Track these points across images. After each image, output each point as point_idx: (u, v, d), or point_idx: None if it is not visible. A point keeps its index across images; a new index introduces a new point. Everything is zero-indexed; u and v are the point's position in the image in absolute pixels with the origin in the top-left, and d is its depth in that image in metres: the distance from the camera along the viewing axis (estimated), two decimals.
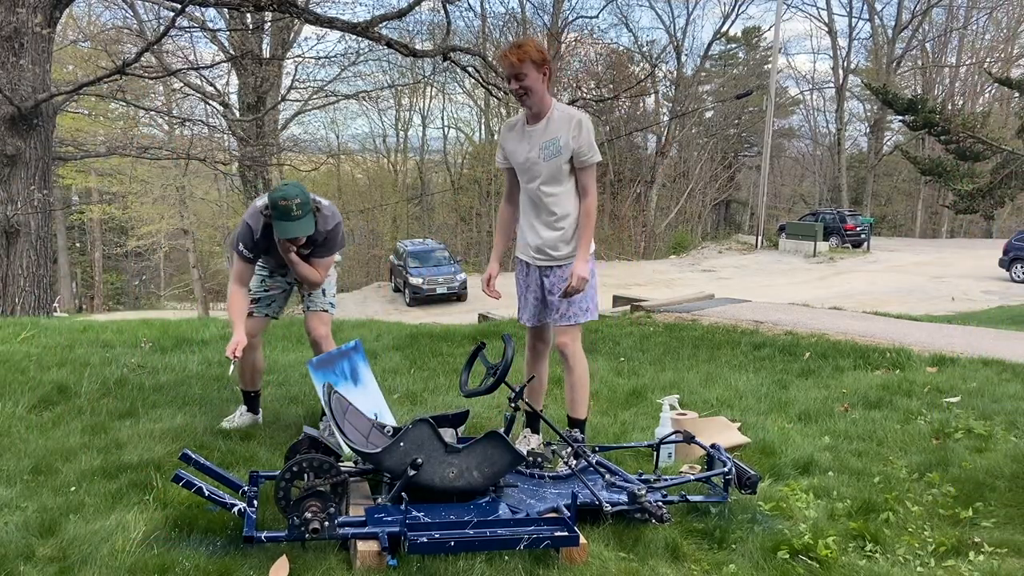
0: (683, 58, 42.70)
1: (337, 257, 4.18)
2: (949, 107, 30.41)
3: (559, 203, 3.63)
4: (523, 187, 3.72)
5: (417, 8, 11.67)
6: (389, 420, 3.97)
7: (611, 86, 36.05)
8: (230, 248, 3.99)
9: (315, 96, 23.45)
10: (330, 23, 11.26)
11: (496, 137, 43.10)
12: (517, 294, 3.88)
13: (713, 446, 3.46)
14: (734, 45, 49.86)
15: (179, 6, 10.44)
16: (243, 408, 4.29)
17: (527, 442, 3.83)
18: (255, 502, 2.93)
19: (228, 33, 17.80)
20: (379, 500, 3.04)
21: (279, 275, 4.17)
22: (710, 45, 44.70)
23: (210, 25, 18.28)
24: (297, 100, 23.23)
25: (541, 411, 3.84)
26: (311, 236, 3.80)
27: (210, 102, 20.21)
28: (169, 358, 5.74)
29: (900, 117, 18.66)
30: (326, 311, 4.18)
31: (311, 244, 3.91)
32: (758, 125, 43.85)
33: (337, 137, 42.32)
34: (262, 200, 3.84)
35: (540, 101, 3.54)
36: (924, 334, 7.53)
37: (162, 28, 12.21)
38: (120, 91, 14.88)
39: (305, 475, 2.85)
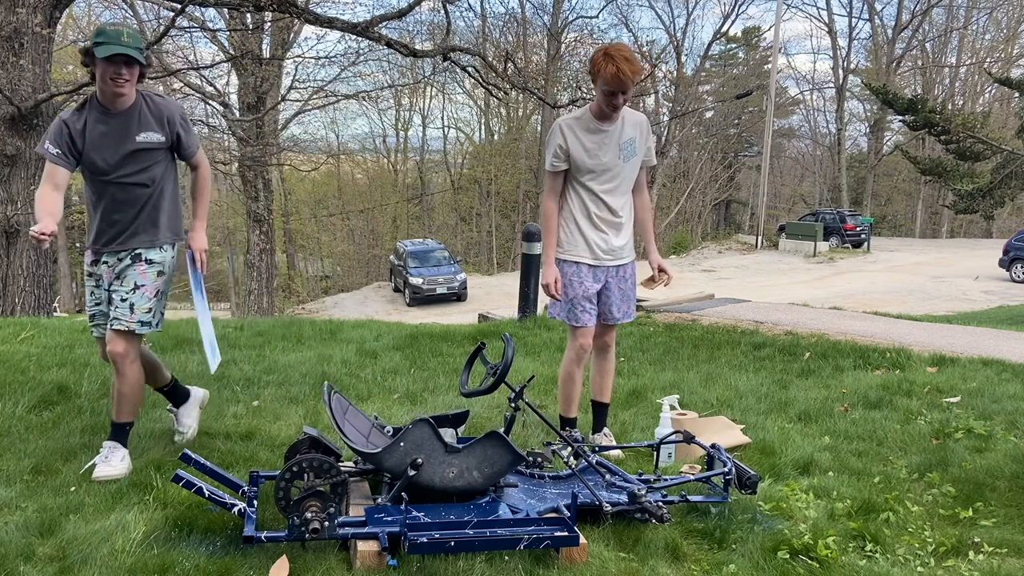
0: (683, 58, 42.72)
1: (166, 267, 3.55)
2: (949, 107, 30.43)
3: (627, 205, 3.80)
4: (591, 189, 3.69)
5: (417, 8, 11.69)
6: (216, 349, 3.63)
7: None
8: (40, 149, 3.31)
9: (315, 96, 23.43)
10: (330, 23, 11.26)
11: (495, 137, 43.24)
12: (567, 296, 3.77)
13: (713, 446, 3.46)
14: (734, 45, 49.90)
15: (179, 6, 10.44)
16: (113, 446, 3.46)
17: (607, 439, 4.00)
18: (255, 502, 2.93)
19: (228, 33, 17.80)
20: (379, 500, 3.04)
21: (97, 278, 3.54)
22: (710, 45, 44.79)
23: (210, 25, 18.30)
24: (297, 100, 23.22)
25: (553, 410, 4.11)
26: (170, 118, 3.44)
27: (210, 102, 20.19)
28: (169, 358, 5.73)
29: (900, 117, 18.72)
30: (130, 331, 3.37)
31: (172, 129, 3.46)
32: (758, 125, 43.84)
33: (337, 137, 42.36)
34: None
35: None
36: (924, 334, 7.52)
37: (162, 28, 12.20)
38: None
39: (305, 475, 2.85)
